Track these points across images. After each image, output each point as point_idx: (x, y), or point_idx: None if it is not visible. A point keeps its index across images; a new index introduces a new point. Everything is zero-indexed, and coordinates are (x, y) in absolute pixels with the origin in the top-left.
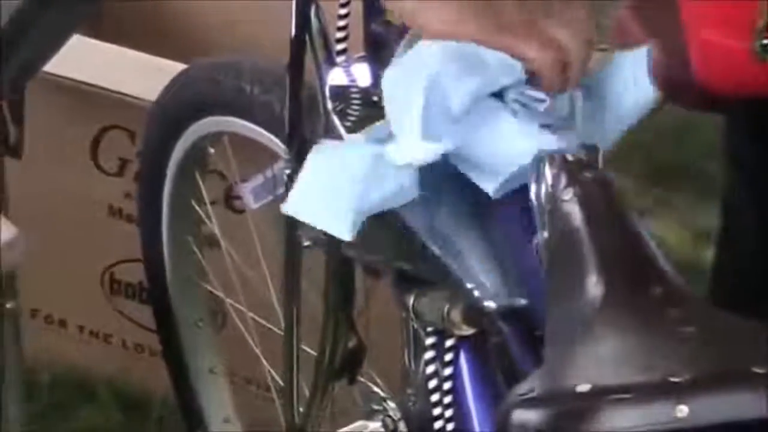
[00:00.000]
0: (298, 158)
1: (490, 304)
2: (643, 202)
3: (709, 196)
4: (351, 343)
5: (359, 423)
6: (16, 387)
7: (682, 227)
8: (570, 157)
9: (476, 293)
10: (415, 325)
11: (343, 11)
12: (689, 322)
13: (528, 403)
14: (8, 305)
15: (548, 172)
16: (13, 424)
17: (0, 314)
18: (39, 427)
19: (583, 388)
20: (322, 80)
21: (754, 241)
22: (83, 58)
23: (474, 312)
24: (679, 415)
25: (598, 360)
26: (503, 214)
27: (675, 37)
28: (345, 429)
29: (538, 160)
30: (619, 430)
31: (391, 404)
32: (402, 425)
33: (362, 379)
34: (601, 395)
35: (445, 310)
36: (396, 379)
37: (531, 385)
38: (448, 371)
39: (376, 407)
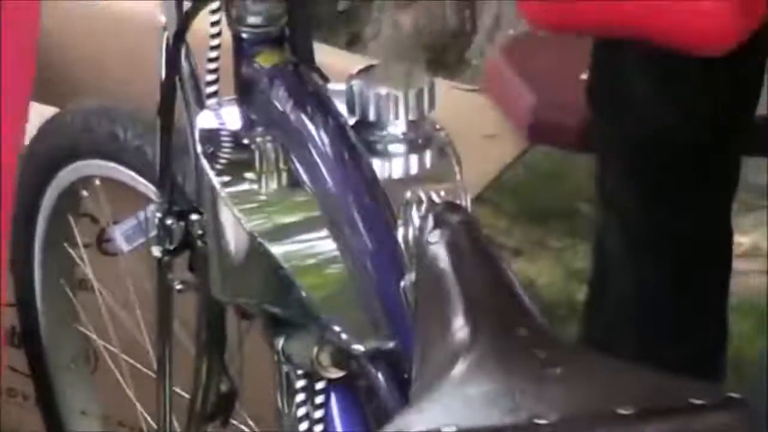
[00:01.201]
0: (169, 201)
1: (358, 347)
2: (519, 243)
3: (583, 237)
4: (223, 386)
5: None
6: None
7: (556, 267)
8: (437, 200)
9: (344, 336)
10: (286, 368)
11: (213, 54)
12: (555, 363)
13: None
14: None
15: (415, 215)
16: None
17: None
18: None
19: (449, 429)
20: (192, 123)
21: (625, 281)
22: None
23: (342, 354)
24: None
25: (464, 402)
26: (372, 253)
27: (551, 81)
28: None
29: (410, 204)
30: None
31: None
32: None
33: (235, 422)
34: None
35: (314, 352)
36: (269, 421)
37: (397, 427)
38: (318, 414)
39: None
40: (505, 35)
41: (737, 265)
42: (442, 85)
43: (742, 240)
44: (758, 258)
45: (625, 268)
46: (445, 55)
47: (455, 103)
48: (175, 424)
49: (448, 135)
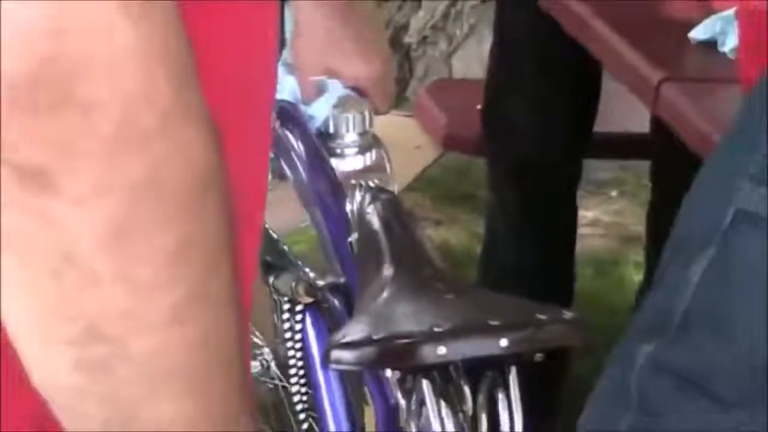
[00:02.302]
0: None
1: (321, 282)
2: (438, 217)
3: (480, 213)
4: None
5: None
6: None
7: (463, 232)
8: (372, 185)
9: (312, 275)
10: (275, 297)
11: None
12: (449, 292)
13: (340, 346)
14: None
15: (358, 195)
16: None
17: None
18: None
19: (379, 335)
20: None
21: (505, 245)
22: None
23: (312, 287)
24: (440, 352)
25: (387, 318)
26: (330, 221)
27: (458, 109)
28: None
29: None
30: (400, 365)
31: (266, 350)
32: (273, 365)
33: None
34: (391, 340)
35: (293, 286)
36: (268, 334)
37: (343, 333)
38: (298, 327)
39: (256, 352)
40: (430, 80)
41: (583, 231)
42: (395, 116)
43: (587, 214)
44: (597, 226)
45: (505, 237)
46: None
47: (395, 125)
48: None
49: (383, 143)
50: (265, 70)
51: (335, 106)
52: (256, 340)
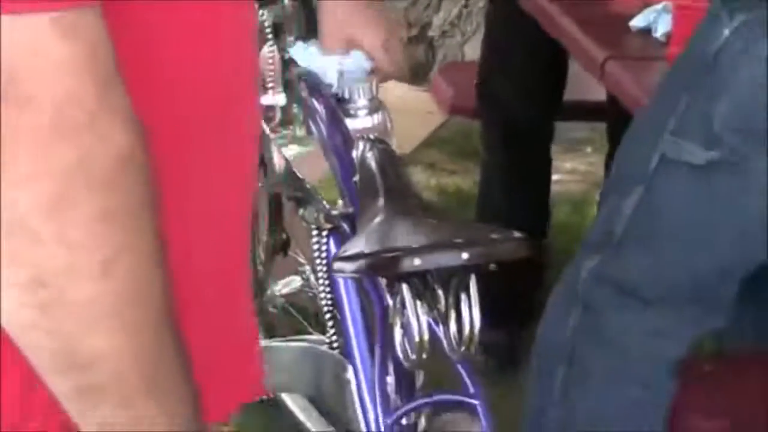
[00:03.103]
0: None
1: (336, 212)
2: (451, 167)
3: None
4: (283, 236)
5: (291, 277)
6: None
7: (467, 179)
8: (372, 137)
9: (328, 206)
10: (305, 224)
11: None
12: (426, 218)
13: (341, 258)
14: None
15: (362, 145)
16: None
17: None
18: None
19: (370, 250)
20: None
21: (499, 191)
22: None
23: (329, 216)
24: (416, 263)
25: (379, 237)
26: (341, 166)
27: (461, 83)
28: (283, 280)
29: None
30: (386, 273)
31: (307, 267)
32: (312, 277)
33: (291, 253)
34: (380, 254)
35: (316, 215)
36: (306, 252)
37: (344, 249)
38: (324, 248)
39: (299, 269)
40: (444, 63)
41: (564, 178)
42: (410, 89)
43: (566, 165)
44: (574, 174)
45: (496, 183)
46: (412, 73)
47: (417, 97)
48: (261, 255)
49: (387, 108)
50: (245, 52)
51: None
52: (299, 259)
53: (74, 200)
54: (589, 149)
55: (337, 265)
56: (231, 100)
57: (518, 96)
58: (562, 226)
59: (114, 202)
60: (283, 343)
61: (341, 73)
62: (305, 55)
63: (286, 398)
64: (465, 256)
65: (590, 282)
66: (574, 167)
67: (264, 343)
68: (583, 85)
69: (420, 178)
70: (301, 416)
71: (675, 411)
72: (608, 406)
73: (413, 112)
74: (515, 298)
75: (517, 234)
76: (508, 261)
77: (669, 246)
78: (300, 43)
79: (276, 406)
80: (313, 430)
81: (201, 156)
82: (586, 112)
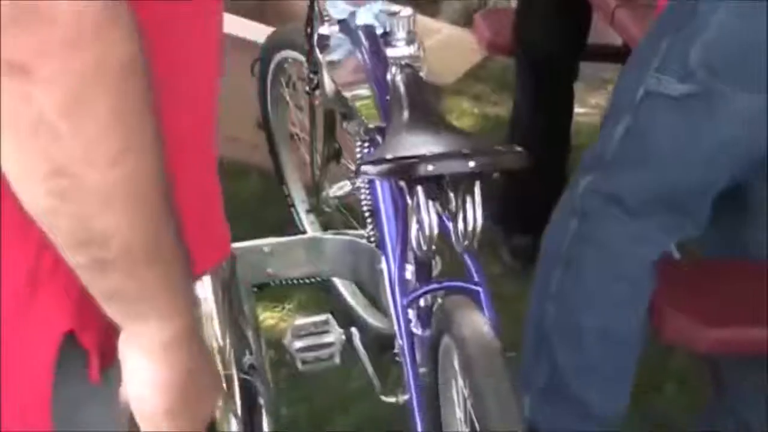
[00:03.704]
0: (311, 66)
1: (374, 125)
2: (492, 95)
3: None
4: (336, 146)
5: (343, 182)
6: None
7: (505, 106)
8: (402, 63)
9: (366, 120)
10: (348, 136)
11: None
12: (442, 131)
13: (366, 162)
14: None
15: (395, 69)
16: None
17: None
18: None
19: (390, 156)
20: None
21: (526, 116)
22: None
23: (367, 129)
24: (429, 168)
25: (404, 146)
26: (378, 86)
27: (499, 27)
28: (336, 184)
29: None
30: (403, 176)
31: (353, 167)
32: (358, 180)
33: (343, 161)
34: (398, 159)
35: (357, 129)
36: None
37: (369, 155)
38: (366, 151)
39: (350, 175)
40: (485, 9)
41: (589, 111)
42: (455, 29)
43: (591, 101)
44: (597, 108)
45: (525, 110)
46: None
47: (459, 36)
48: (319, 162)
49: (422, 40)
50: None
51: (389, 14)
52: (350, 166)
53: (87, 99)
54: (610, 87)
55: (363, 168)
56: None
57: (547, 39)
58: (583, 149)
59: (123, 101)
60: (332, 236)
61: (376, 15)
62: (337, 8)
63: (337, 282)
64: (471, 163)
65: (586, 196)
66: (597, 102)
67: (318, 235)
68: (605, 31)
69: (465, 106)
70: (348, 296)
71: (656, 304)
72: (598, 300)
73: (458, 48)
74: (540, 207)
75: (517, 148)
76: (509, 169)
77: (650, 166)
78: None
79: (328, 289)
80: (357, 308)
81: (182, 61)
82: (606, 54)
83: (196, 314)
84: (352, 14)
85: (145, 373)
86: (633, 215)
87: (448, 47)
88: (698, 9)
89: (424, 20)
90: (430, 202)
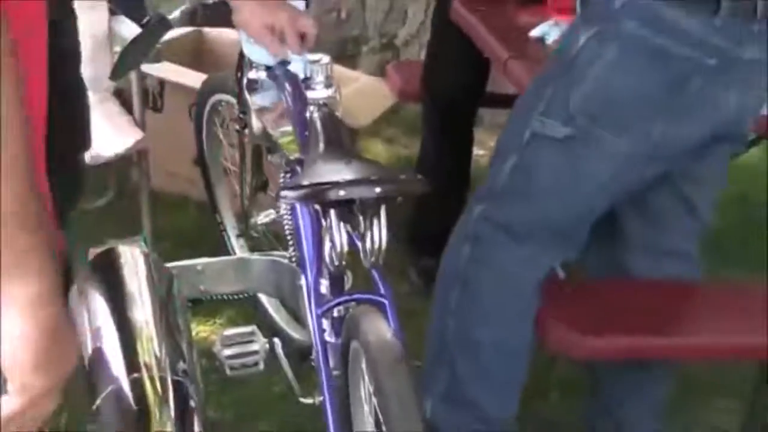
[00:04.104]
0: (241, 109)
1: (292, 157)
2: (396, 132)
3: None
4: (263, 178)
5: (269, 210)
6: None
7: (415, 143)
8: (320, 103)
9: (287, 154)
10: (274, 167)
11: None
12: (353, 162)
13: (285, 188)
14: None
15: (312, 108)
16: None
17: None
18: None
19: (307, 182)
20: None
21: (431, 155)
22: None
23: (289, 161)
24: (341, 194)
25: (316, 174)
26: (298, 123)
27: (409, 77)
28: (263, 212)
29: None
30: (318, 201)
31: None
32: (282, 208)
33: (269, 192)
34: (314, 185)
35: (280, 161)
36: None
37: (288, 182)
38: (287, 180)
39: (275, 203)
40: (397, 61)
41: (487, 152)
42: (371, 78)
43: (491, 144)
44: None
45: (431, 150)
46: (376, 68)
47: (374, 84)
48: (247, 193)
49: (338, 84)
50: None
51: (310, 62)
52: (274, 195)
53: None
54: None
55: (283, 193)
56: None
57: (451, 87)
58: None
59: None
60: (258, 257)
61: (305, 63)
62: (256, 50)
63: (263, 298)
64: (377, 189)
65: (479, 223)
66: (494, 144)
67: (245, 256)
68: (502, 81)
69: (380, 148)
70: (272, 311)
71: (540, 317)
72: (492, 316)
73: (373, 95)
74: (444, 233)
75: (419, 176)
76: (411, 195)
77: (535, 198)
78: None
79: (255, 305)
80: (280, 322)
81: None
82: (503, 101)
83: (58, 280)
84: (280, 63)
85: (14, 330)
86: (520, 241)
87: (364, 94)
88: (577, 60)
89: (343, 70)
90: (342, 224)
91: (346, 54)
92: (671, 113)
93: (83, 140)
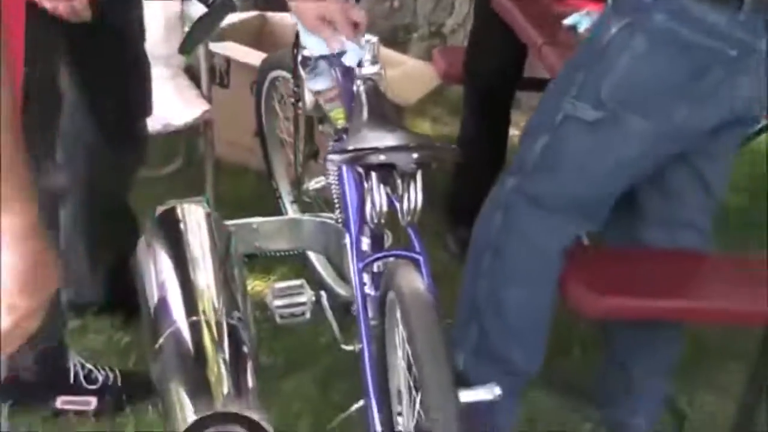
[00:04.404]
0: (295, 82)
1: (339, 126)
2: (443, 111)
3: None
4: (314, 147)
5: (319, 177)
6: None
7: (456, 119)
8: (366, 77)
9: (335, 123)
10: (325, 138)
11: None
12: (394, 130)
13: (331, 152)
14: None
15: (359, 82)
16: None
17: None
18: None
19: (351, 148)
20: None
21: (470, 134)
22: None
23: (337, 130)
24: (381, 158)
25: (359, 140)
26: (346, 95)
27: (452, 62)
28: (314, 179)
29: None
30: (361, 164)
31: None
32: (331, 176)
33: (320, 160)
34: (357, 150)
35: (329, 130)
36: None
37: (334, 147)
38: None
39: (325, 171)
40: (440, 46)
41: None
42: (418, 62)
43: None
44: None
45: (470, 129)
46: (424, 53)
47: (421, 67)
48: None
49: (384, 63)
50: None
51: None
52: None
53: None
54: None
55: (329, 157)
56: None
57: (490, 72)
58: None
59: None
60: (308, 218)
61: (358, 53)
62: (312, 40)
63: (312, 256)
64: (414, 155)
65: (510, 194)
66: None
67: (297, 216)
68: (538, 66)
69: (425, 126)
70: (320, 268)
71: (563, 279)
72: (520, 278)
73: (419, 77)
74: (480, 204)
75: (452, 146)
76: (444, 162)
77: (564, 174)
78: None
79: (305, 264)
80: (327, 278)
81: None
82: (538, 85)
83: (39, 217)
84: (338, 54)
85: (1, 259)
86: (547, 212)
87: (411, 76)
88: (608, 50)
89: (393, 54)
90: (381, 186)
91: (397, 41)
92: (693, 99)
93: (145, 108)
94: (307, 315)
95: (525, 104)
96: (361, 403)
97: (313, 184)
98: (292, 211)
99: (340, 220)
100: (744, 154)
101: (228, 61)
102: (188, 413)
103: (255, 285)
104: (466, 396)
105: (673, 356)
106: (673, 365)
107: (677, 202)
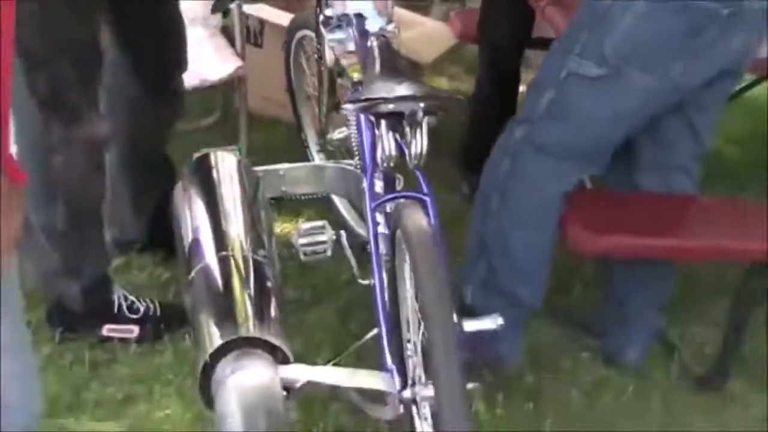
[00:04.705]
0: (318, 41)
1: (356, 79)
2: (461, 69)
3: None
4: (336, 100)
5: (342, 128)
6: None
7: (472, 75)
8: (379, 33)
9: (352, 76)
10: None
11: None
12: (404, 81)
13: (347, 102)
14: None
15: (372, 38)
16: None
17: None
18: None
19: (364, 97)
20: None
21: (484, 88)
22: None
23: (353, 83)
24: (390, 107)
25: (372, 90)
26: (362, 50)
27: (468, 22)
28: (337, 130)
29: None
30: (373, 112)
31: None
32: (352, 126)
33: (341, 113)
34: (370, 100)
35: (347, 82)
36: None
37: (349, 97)
38: None
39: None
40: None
41: None
42: (437, 23)
43: None
44: None
45: (484, 82)
46: (444, 16)
47: (439, 28)
48: (324, 112)
49: (398, 22)
50: None
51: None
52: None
53: None
54: None
55: (344, 106)
56: None
57: (502, 32)
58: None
59: None
60: (330, 164)
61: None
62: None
63: (335, 199)
64: (421, 104)
65: (518, 142)
66: None
67: (319, 163)
68: (546, 27)
69: (443, 83)
70: (343, 210)
71: (564, 219)
72: (524, 219)
73: (437, 37)
74: (488, 149)
75: (458, 96)
76: (449, 110)
77: (568, 126)
78: None
79: (330, 207)
80: (349, 220)
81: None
82: (546, 44)
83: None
84: (360, 16)
85: None
86: (552, 160)
87: (429, 35)
88: (611, 12)
89: (413, 15)
90: (390, 132)
91: (419, 4)
92: (689, 54)
93: (180, 64)
94: (328, 252)
95: (533, 62)
96: (375, 331)
97: (336, 134)
98: (318, 159)
99: (359, 166)
100: (739, 107)
101: (262, 22)
102: (215, 338)
103: (284, 228)
104: (471, 326)
105: (666, 292)
106: (665, 300)
107: (670, 149)
